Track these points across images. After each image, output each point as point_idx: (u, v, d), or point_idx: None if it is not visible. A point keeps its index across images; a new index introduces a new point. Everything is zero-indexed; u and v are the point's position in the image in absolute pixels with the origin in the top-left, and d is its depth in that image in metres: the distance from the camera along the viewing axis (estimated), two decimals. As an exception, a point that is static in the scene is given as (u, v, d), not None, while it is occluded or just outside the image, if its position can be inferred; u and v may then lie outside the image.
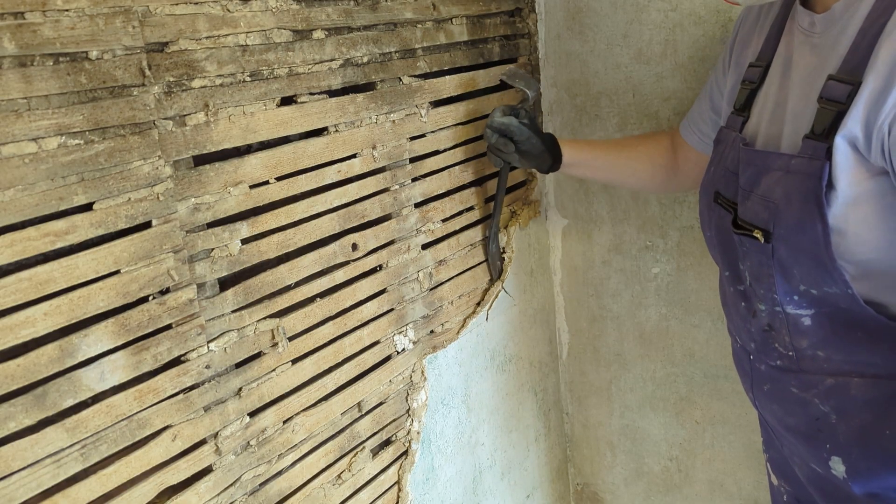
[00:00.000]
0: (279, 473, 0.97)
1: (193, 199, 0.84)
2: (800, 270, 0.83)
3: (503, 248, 1.39)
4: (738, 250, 0.91)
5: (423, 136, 1.16)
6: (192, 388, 0.85)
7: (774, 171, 0.84)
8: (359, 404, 1.09)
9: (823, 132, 0.79)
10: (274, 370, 0.95)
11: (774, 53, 0.94)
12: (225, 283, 0.89)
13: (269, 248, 0.93)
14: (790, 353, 0.89)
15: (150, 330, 0.80)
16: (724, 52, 1.09)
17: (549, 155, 1.22)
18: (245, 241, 0.90)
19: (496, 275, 1.37)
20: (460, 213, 1.27)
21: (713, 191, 0.97)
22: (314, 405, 1.01)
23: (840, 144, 0.77)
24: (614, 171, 1.27)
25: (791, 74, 0.89)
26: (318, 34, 0.97)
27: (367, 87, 1.06)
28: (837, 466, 0.87)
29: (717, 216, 0.95)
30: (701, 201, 1.02)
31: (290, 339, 0.97)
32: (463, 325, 1.30)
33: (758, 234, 0.85)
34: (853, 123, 0.76)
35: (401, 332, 1.15)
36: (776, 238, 0.83)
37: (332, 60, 0.99)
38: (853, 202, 0.78)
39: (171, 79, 0.80)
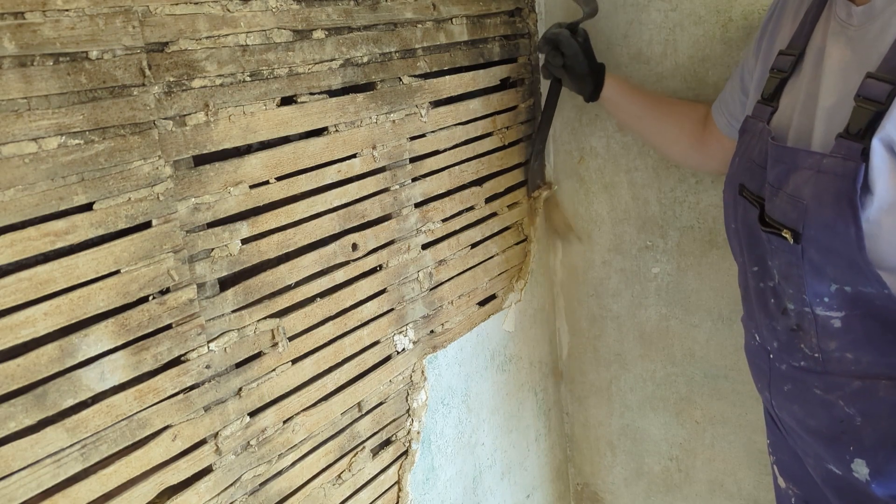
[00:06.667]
0: (279, 473, 0.97)
1: (193, 199, 0.84)
2: (833, 270, 0.80)
3: (545, 164, 1.46)
4: (766, 247, 0.88)
5: (423, 136, 1.16)
6: (192, 387, 0.85)
7: (804, 170, 0.81)
8: (359, 404, 1.09)
9: (859, 132, 0.76)
10: (274, 370, 0.95)
11: (808, 42, 0.90)
12: (225, 283, 0.89)
13: (269, 248, 0.93)
14: (816, 355, 0.86)
15: (150, 330, 0.80)
16: (757, 32, 1.06)
17: (592, 80, 1.25)
18: (245, 241, 0.90)
19: (532, 190, 1.44)
20: (460, 213, 1.27)
21: (738, 183, 0.94)
22: (314, 405, 1.02)
23: (877, 147, 0.74)
24: (644, 122, 1.28)
25: (823, 66, 0.86)
26: (318, 34, 0.97)
27: (367, 87, 1.06)
28: (860, 469, 0.85)
29: (743, 210, 0.92)
30: (725, 193, 1.00)
31: (290, 339, 0.97)
32: (469, 328, 1.30)
33: (787, 234, 0.82)
34: (892, 125, 0.74)
35: (401, 332, 1.15)
36: (806, 239, 0.80)
37: (332, 60, 0.99)
38: (889, 208, 0.75)
39: (171, 79, 0.80)
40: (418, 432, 1.20)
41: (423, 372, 1.21)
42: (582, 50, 1.22)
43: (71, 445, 0.74)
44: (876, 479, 0.84)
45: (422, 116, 1.15)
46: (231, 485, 0.90)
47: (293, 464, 0.99)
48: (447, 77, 1.20)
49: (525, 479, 1.54)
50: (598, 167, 1.45)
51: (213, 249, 0.86)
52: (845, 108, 0.79)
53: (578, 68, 1.23)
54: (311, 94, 0.97)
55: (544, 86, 1.44)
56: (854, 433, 0.85)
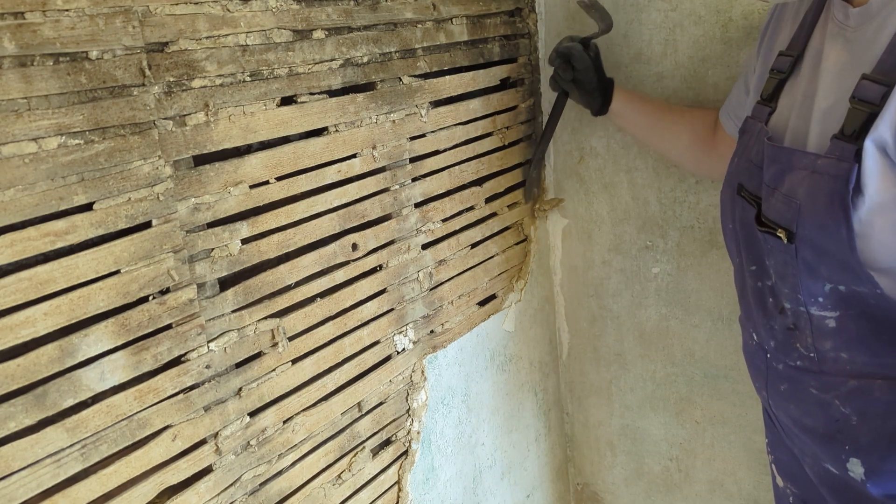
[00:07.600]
0: (279, 473, 0.97)
1: (193, 199, 0.84)
2: (826, 270, 0.81)
3: (543, 176, 1.49)
4: (763, 247, 0.89)
5: (423, 136, 1.16)
6: (192, 387, 0.85)
7: (799, 170, 0.82)
8: (359, 404, 1.09)
9: (854, 133, 0.76)
10: (274, 370, 0.95)
11: (807, 43, 0.91)
12: (225, 283, 0.89)
13: (269, 248, 0.93)
14: (811, 355, 0.87)
15: (150, 330, 0.80)
16: (759, 34, 1.06)
17: (601, 94, 1.25)
18: (245, 241, 0.90)
19: (528, 199, 1.44)
20: (460, 213, 1.27)
21: (736, 182, 0.95)
22: (314, 405, 1.02)
23: (869, 148, 0.75)
24: (655, 132, 1.28)
25: (821, 67, 0.86)
26: (318, 34, 0.97)
27: (367, 87, 1.06)
28: (856, 468, 0.86)
29: (741, 209, 0.93)
30: (723, 192, 1.00)
31: (290, 339, 0.97)
32: (469, 328, 1.30)
33: (781, 234, 0.83)
34: (884, 127, 0.74)
35: (401, 332, 1.15)
36: (799, 239, 0.81)
37: (332, 60, 0.99)
38: (880, 209, 0.76)
39: (171, 79, 0.80)
40: (418, 432, 1.20)
41: (423, 372, 1.21)
42: (593, 65, 1.23)
43: (71, 445, 0.74)
44: (871, 479, 0.85)
45: (422, 116, 1.15)
46: (231, 485, 0.90)
47: (293, 464, 0.99)
48: (447, 77, 1.20)
49: (525, 479, 1.54)
50: (598, 167, 1.45)
51: (213, 249, 0.86)
52: (841, 110, 0.79)
53: (588, 83, 1.24)
54: (311, 94, 0.97)
55: (551, 96, 1.44)
56: (850, 433, 0.85)
